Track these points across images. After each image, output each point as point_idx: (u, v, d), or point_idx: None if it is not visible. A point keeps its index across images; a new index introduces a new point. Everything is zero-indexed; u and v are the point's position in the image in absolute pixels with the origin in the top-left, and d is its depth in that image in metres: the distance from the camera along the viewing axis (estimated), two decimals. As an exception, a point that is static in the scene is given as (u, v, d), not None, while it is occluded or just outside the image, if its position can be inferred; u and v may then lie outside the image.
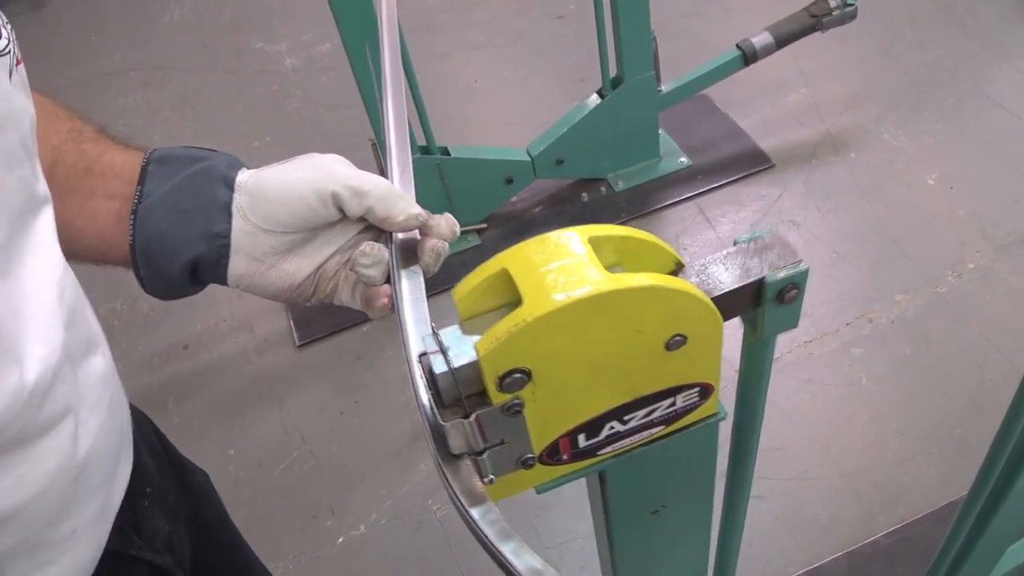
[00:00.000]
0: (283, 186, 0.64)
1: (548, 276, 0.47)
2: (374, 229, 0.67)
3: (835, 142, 2.45)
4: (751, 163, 2.42)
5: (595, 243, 0.49)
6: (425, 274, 0.65)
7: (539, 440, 0.53)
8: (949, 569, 1.17)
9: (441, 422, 0.49)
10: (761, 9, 2.72)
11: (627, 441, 0.57)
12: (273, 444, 1.99)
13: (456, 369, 0.48)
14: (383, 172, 0.70)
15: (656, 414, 0.56)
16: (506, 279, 0.49)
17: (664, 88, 2.29)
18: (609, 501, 0.65)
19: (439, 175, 2.15)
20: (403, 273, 0.64)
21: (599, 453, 0.57)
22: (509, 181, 2.27)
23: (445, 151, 2.16)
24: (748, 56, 2.26)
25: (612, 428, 0.55)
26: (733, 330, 0.63)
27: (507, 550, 0.47)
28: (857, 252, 2.16)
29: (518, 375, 0.47)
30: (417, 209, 0.65)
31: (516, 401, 0.49)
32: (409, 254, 0.65)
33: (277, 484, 1.91)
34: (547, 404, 0.50)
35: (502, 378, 0.47)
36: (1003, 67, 2.61)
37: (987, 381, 1.86)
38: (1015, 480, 0.95)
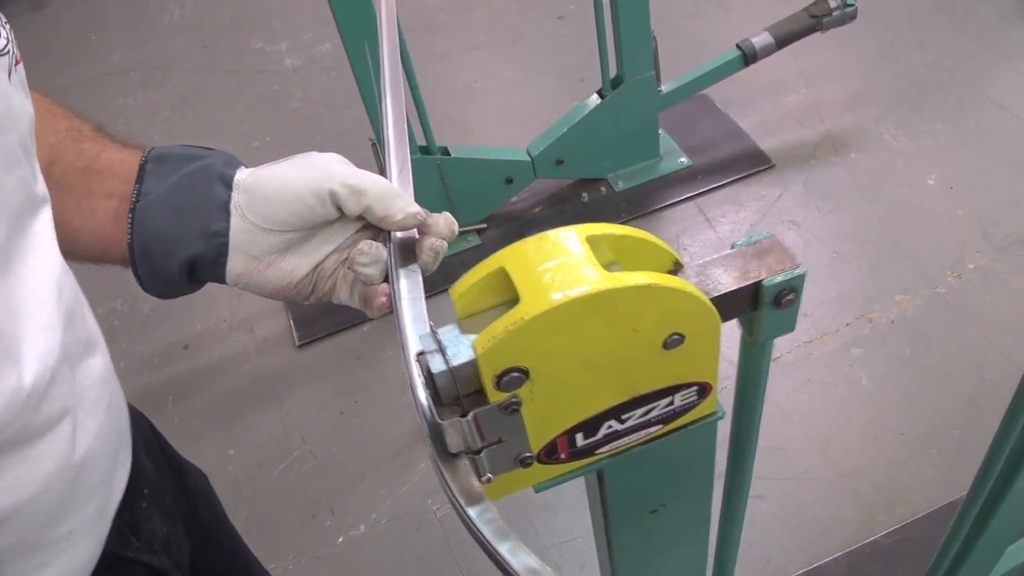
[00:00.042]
0: (281, 184, 0.64)
1: (545, 275, 0.47)
2: (372, 228, 0.67)
3: (835, 142, 2.45)
4: (751, 163, 2.42)
5: (592, 242, 0.49)
6: (423, 273, 0.65)
7: (537, 439, 0.53)
8: (948, 569, 1.17)
9: (439, 421, 0.49)
10: (761, 9, 2.72)
11: (625, 440, 0.57)
12: (273, 444, 1.99)
13: (454, 368, 0.48)
14: (383, 172, 0.70)
15: (654, 413, 0.56)
16: (504, 278, 0.49)
17: (664, 88, 2.29)
18: (607, 500, 0.65)
19: (439, 175, 2.15)
20: (401, 272, 0.64)
21: (597, 452, 0.57)
22: (509, 181, 2.26)
23: (445, 151, 2.16)
24: (748, 56, 2.26)
25: (610, 427, 0.55)
26: (732, 329, 0.63)
27: (504, 549, 0.47)
28: (857, 252, 2.16)
29: (515, 374, 0.47)
30: (415, 208, 0.65)
31: (514, 400, 0.49)
32: (407, 253, 0.65)
33: (277, 484, 1.91)
34: (545, 403, 0.50)
35: (499, 377, 0.47)
36: (1003, 67, 2.61)
37: (987, 381, 1.86)
38: (1014, 480, 0.95)
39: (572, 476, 0.58)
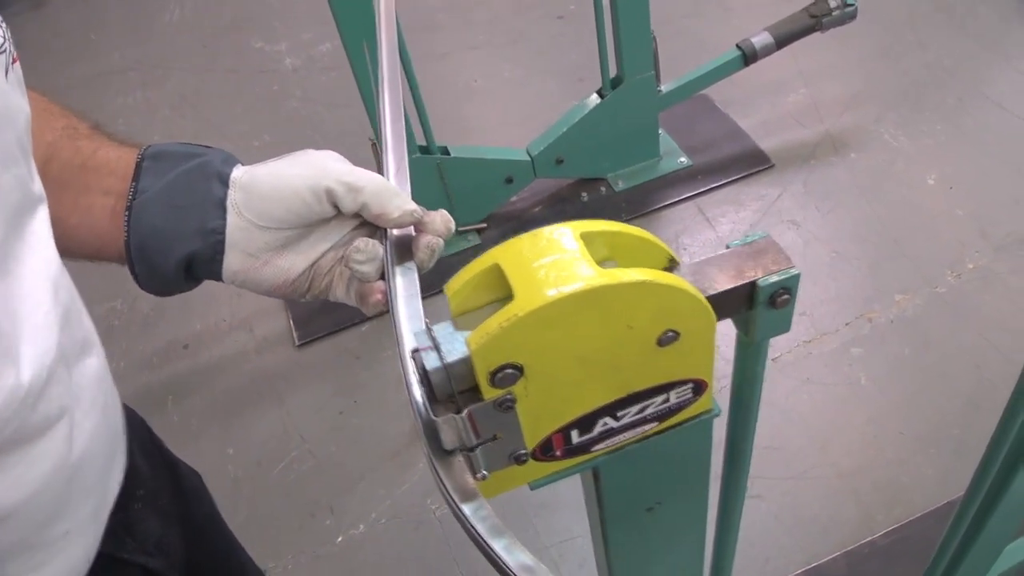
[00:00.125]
0: (278, 182, 0.64)
1: (540, 271, 0.47)
2: (369, 225, 0.67)
3: (835, 142, 2.45)
4: (751, 163, 2.42)
5: (587, 238, 0.49)
6: (420, 270, 0.65)
7: (532, 436, 0.53)
8: (947, 568, 1.17)
9: (433, 418, 0.49)
10: (761, 9, 2.72)
11: (620, 437, 0.57)
12: (272, 443, 1.99)
13: (448, 365, 0.48)
14: (382, 171, 0.70)
15: (649, 410, 0.56)
16: (498, 274, 0.49)
17: (664, 88, 2.29)
18: (603, 498, 0.64)
19: (439, 175, 2.15)
20: (397, 269, 0.64)
21: (592, 449, 0.57)
22: (509, 181, 2.26)
23: (445, 151, 2.16)
24: (748, 56, 2.26)
25: (605, 424, 0.55)
26: (731, 327, 0.63)
27: (499, 546, 0.47)
28: (856, 252, 2.16)
29: (510, 370, 0.47)
30: (412, 205, 0.65)
31: (508, 396, 0.49)
32: (404, 250, 0.65)
33: (276, 483, 1.91)
34: (539, 400, 0.50)
35: (494, 373, 0.47)
36: (1003, 67, 2.61)
37: (986, 381, 1.86)
38: (1012, 479, 0.95)
39: (567, 473, 0.58)
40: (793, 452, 1.80)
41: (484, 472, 0.52)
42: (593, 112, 2.24)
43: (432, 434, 0.50)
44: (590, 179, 2.43)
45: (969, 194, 2.25)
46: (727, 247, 0.58)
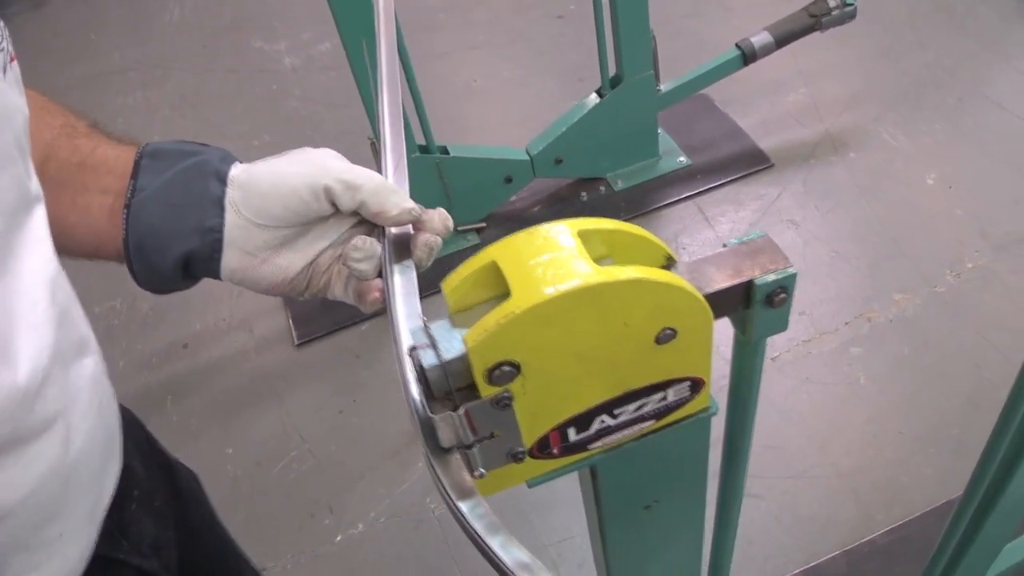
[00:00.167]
0: (276, 180, 0.64)
1: (537, 269, 0.47)
2: (367, 224, 0.67)
3: (834, 142, 2.45)
4: (750, 162, 2.42)
5: (584, 236, 0.49)
6: (418, 269, 0.65)
7: (529, 434, 0.53)
8: (946, 567, 1.17)
9: (430, 415, 0.49)
10: (760, 9, 2.72)
11: (618, 435, 0.57)
12: (272, 443, 1.99)
13: (445, 362, 0.48)
14: (381, 170, 0.70)
15: (647, 408, 0.56)
16: (495, 272, 0.49)
17: (663, 87, 2.29)
18: (601, 496, 0.64)
19: (438, 174, 2.15)
20: (395, 268, 0.64)
21: (590, 447, 0.57)
22: (508, 180, 2.26)
23: (444, 150, 2.16)
24: (747, 56, 2.26)
25: (602, 422, 0.55)
26: (729, 326, 0.63)
27: (495, 544, 0.47)
28: (856, 251, 2.16)
29: (507, 368, 0.47)
30: (410, 204, 0.65)
31: (505, 394, 0.49)
32: (402, 249, 0.65)
33: (276, 483, 1.91)
34: (537, 397, 0.50)
35: (491, 371, 0.47)
36: (1003, 67, 2.61)
37: (985, 380, 1.86)
38: (1010, 478, 0.95)
39: (565, 471, 0.58)
40: (792, 451, 1.80)
41: (481, 470, 0.52)
42: (592, 112, 2.24)
43: (429, 432, 0.50)
44: (589, 179, 2.43)
45: (968, 194, 2.25)
46: (724, 246, 0.58)
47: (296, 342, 2.18)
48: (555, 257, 0.47)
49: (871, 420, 1.83)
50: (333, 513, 1.84)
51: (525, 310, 0.45)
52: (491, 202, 2.33)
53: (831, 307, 2.05)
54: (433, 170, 2.14)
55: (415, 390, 0.51)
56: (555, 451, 0.55)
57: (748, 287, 0.56)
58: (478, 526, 0.48)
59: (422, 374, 0.48)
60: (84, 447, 0.61)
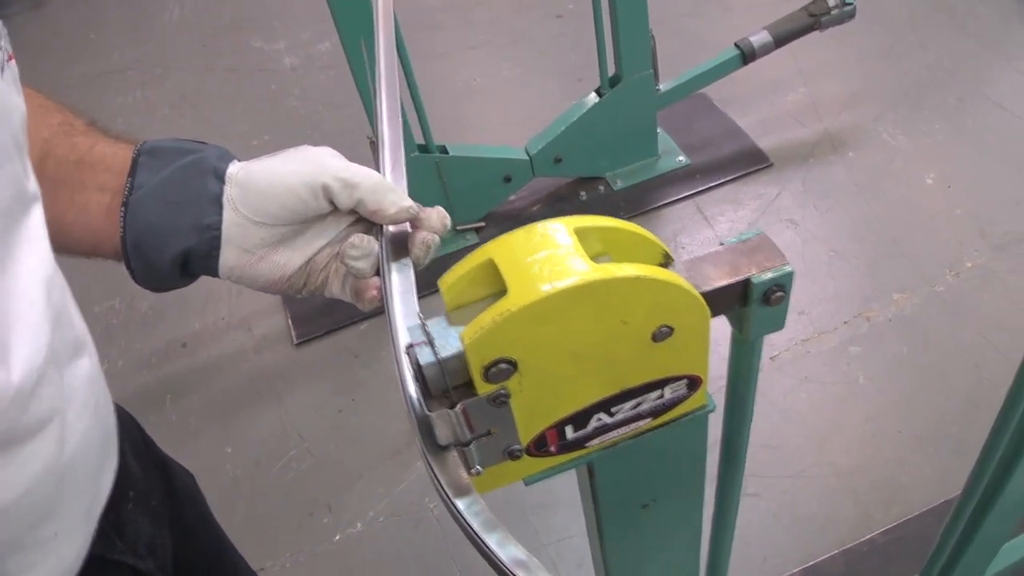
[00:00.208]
0: (274, 178, 0.64)
1: (533, 266, 0.47)
2: (365, 222, 0.67)
3: (833, 141, 2.45)
4: (749, 162, 2.42)
5: (581, 234, 0.49)
6: (415, 267, 0.65)
7: (526, 431, 0.53)
8: (944, 567, 1.17)
9: (427, 413, 0.49)
10: (760, 8, 2.72)
11: (615, 433, 0.57)
12: (271, 442, 1.99)
13: (442, 360, 0.48)
14: (379, 168, 0.70)
15: (644, 406, 0.56)
16: (492, 269, 0.49)
17: (662, 87, 2.29)
18: (598, 494, 0.65)
19: (437, 173, 2.15)
20: (393, 266, 0.64)
21: (587, 445, 0.57)
22: (507, 179, 2.26)
23: (443, 149, 2.16)
24: (747, 55, 2.26)
25: (599, 420, 0.55)
26: (727, 325, 0.63)
27: (492, 541, 0.47)
28: (855, 251, 2.16)
29: (503, 365, 0.47)
30: (408, 202, 0.65)
31: (502, 391, 0.49)
32: (400, 247, 0.65)
33: (274, 482, 1.91)
34: (533, 395, 0.50)
35: (487, 368, 0.47)
36: (1003, 67, 2.61)
37: (984, 380, 1.86)
38: (1009, 478, 0.95)
39: (562, 469, 0.58)
40: (791, 451, 1.80)
41: (478, 467, 0.52)
42: (592, 111, 2.24)
43: (426, 429, 0.50)
44: (589, 178, 2.43)
45: (968, 193, 2.25)
46: (721, 244, 0.58)
47: (295, 341, 2.18)
48: (552, 254, 0.47)
49: (870, 419, 1.83)
50: (332, 512, 1.84)
51: (521, 307, 0.45)
52: (490, 201, 2.33)
53: (830, 306, 2.05)
54: (432, 169, 2.14)
55: (412, 387, 0.51)
56: (552, 449, 0.55)
57: (745, 285, 0.56)
58: (475, 523, 0.48)
59: (419, 371, 0.49)
60: (80, 447, 0.61)
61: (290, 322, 2.22)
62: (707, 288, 0.55)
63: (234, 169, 0.65)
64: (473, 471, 0.52)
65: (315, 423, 2.01)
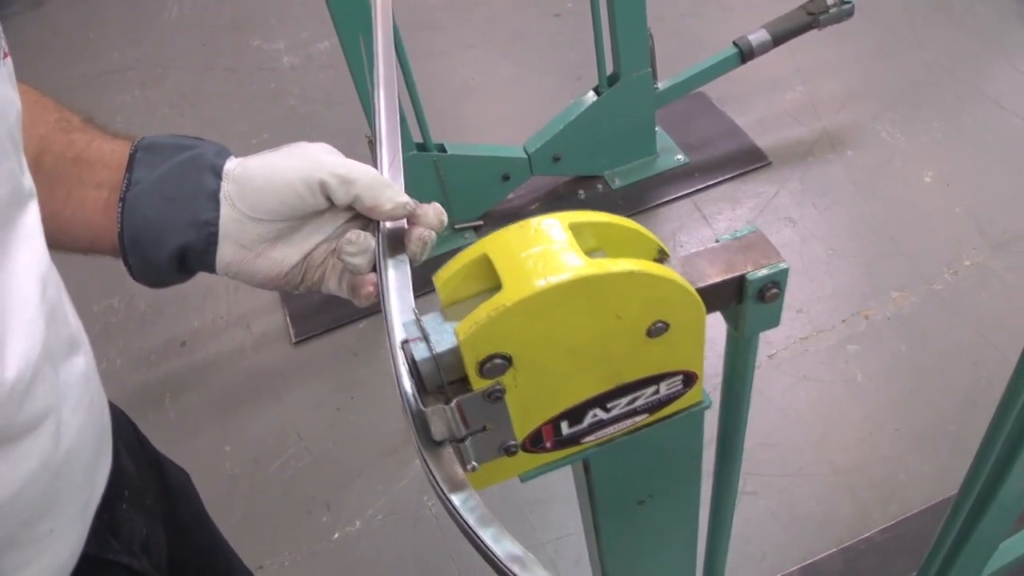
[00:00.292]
0: (271, 174, 0.64)
1: (528, 261, 0.47)
2: (362, 218, 0.67)
3: (832, 140, 2.46)
4: (748, 160, 2.42)
5: (576, 229, 0.49)
6: (412, 263, 0.65)
7: (521, 427, 0.53)
8: (942, 565, 1.17)
9: (423, 408, 0.49)
10: (758, 7, 2.72)
11: (611, 429, 0.57)
12: (269, 440, 1.99)
13: (437, 355, 0.48)
14: (377, 165, 0.70)
15: (639, 402, 0.56)
16: (487, 265, 0.49)
17: (661, 85, 2.29)
18: (594, 490, 0.65)
19: (435, 172, 2.15)
20: (390, 262, 0.64)
21: (583, 441, 0.57)
22: (505, 178, 2.26)
23: (442, 148, 2.16)
24: (745, 54, 2.26)
25: (595, 416, 0.55)
26: (724, 323, 0.64)
27: (487, 536, 0.47)
28: (853, 249, 2.16)
29: (498, 360, 0.47)
30: (405, 198, 0.65)
31: (497, 387, 0.49)
32: (396, 243, 0.65)
33: (273, 480, 1.91)
34: (529, 390, 0.50)
35: (482, 363, 0.47)
36: (1002, 66, 2.61)
37: (982, 378, 1.86)
38: (1006, 476, 0.95)
39: (558, 465, 0.58)
40: (789, 449, 1.80)
41: (474, 463, 0.52)
42: (590, 109, 2.24)
43: (422, 425, 0.50)
44: (587, 176, 2.43)
45: (966, 192, 2.25)
46: (717, 241, 0.58)
47: (294, 340, 2.18)
48: (546, 250, 0.47)
49: (868, 418, 1.83)
50: (330, 510, 1.84)
51: (516, 302, 0.45)
52: (488, 200, 2.33)
53: (828, 305, 2.05)
54: (430, 168, 2.14)
55: (408, 383, 0.51)
56: (548, 445, 0.55)
57: (740, 282, 0.56)
58: (470, 519, 0.48)
59: (414, 367, 0.49)
60: (75, 444, 0.61)
61: (289, 320, 2.23)
62: (702, 284, 0.55)
63: (231, 165, 0.65)
64: (469, 467, 0.52)
65: (314, 421, 2.01)
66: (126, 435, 0.83)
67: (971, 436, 1.75)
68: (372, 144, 2.05)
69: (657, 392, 0.56)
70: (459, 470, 0.51)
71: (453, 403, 0.48)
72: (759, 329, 0.61)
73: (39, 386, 0.55)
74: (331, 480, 1.89)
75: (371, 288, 0.65)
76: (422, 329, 0.49)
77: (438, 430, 0.50)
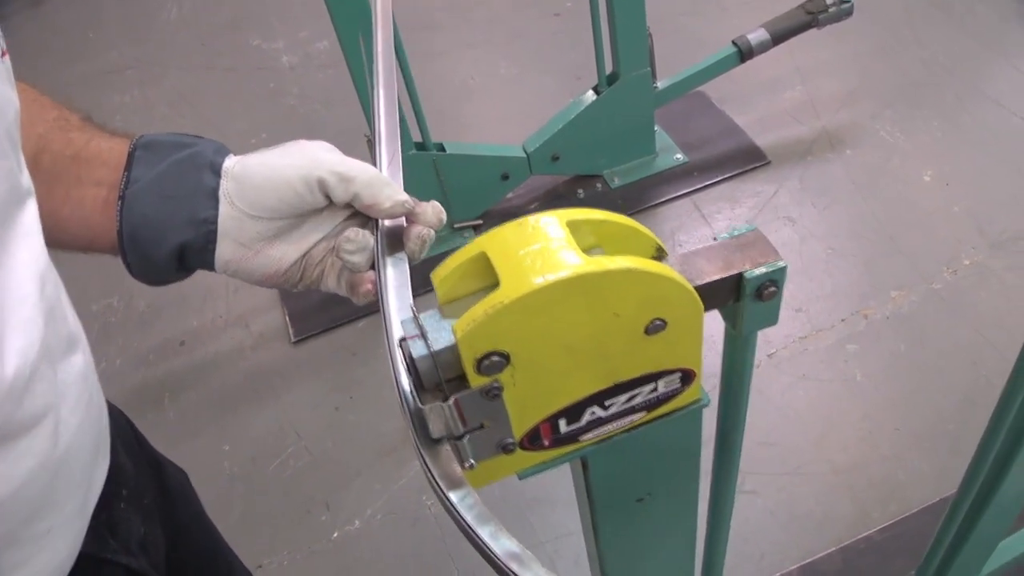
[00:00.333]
0: (270, 172, 0.64)
1: (526, 259, 0.47)
2: (361, 216, 0.67)
3: (831, 139, 2.46)
4: (747, 160, 2.42)
5: (573, 227, 0.49)
6: (411, 261, 0.65)
7: (519, 425, 0.53)
8: (941, 564, 1.17)
9: (420, 406, 0.49)
10: (757, 6, 2.72)
11: (609, 427, 0.57)
12: (268, 440, 1.99)
13: (435, 353, 0.48)
14: (376, 164, 0.70)
15: (638, 400, 0.56)
16: (484, 262, 0.49)
17: (660, 85, 2.29)
18: (592, 489, 0.65)
19: (435, 171, 2.15)
20: (388, 260, 0.64)
21: (581, 439, 0.57)
22: (505, 177, 2.26)
23: (441, 147, 2.16)
24: (744, 53, 2.26)
25: (593, 414, 0.55)
26: (723, 320, 0.63)
27: (485, 534, 0.47)
28: (852, 248, 2.16)
29: (496, 358, 0.47)
30: (403, 196, 0.65)
31: (495, 384, 0.49)
32: (395, 241, 0.65)
33: (272, 479, 1.91)
34: (526, 388, 0.50)
35: (480, 361, 0.47)
36: (1001, 65, 2.61)
37: (982, 378, 1.86)
38: (1005, 476, 0.95)
39: (556, 463, 0.58)
40: (788, 448, 1.80)
41: (472, 461, 0.52)
42: (589, 109, 2.24)
43: (419, 422, 0.50)
44: (586, 176, 2.43)
45: (966, 191, 2.25)
46: (715, 239, 0.58)
47: (293, 339, 2.18)
48: (544, 247, 0.47)
49: (867, 417, 1.83)
50: (329, 510, 1.84)
51: (513, 300, 0.45)
52: (488, 199, 2.33)
53: (827, 304, 2.05)
54: (430, 167, 2.14)
55: (405, 381, 0.51)
56: (546, 443, 0.55)
57: (738, 280, 0.56)
58: (468, 516, 0.48)
59: (412, 364, 0.49)
60: (73, 442, 0.61)
61: (288, 320, 2.22)
62: (700, 282, 0.55)
63: (230, 163, 0.66)
64: (466, 465, 0.52)
65: (312, 421, 2.01)
66: (124, 434, 0.83)
67: (970, 435, 1.74)
68: (371, 143, 2.05)
69: (655, 390, 0.56)
70: (457, 468, 0.51)
71: (451, 400, 0.48)
72: (757, 327, 0.61)
73: (38, 384, 0.55)
74: (330, 479, 1.89)
75: (369, 286, 0.65)
76: (420, 327, 0.49)
77: (436, 428, 0.50)
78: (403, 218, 0.66)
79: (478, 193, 2.29)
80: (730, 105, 2.59)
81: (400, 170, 0.70)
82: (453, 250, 0.50)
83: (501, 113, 2.79)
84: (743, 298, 0.57)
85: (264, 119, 2.90)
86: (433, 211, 0.67)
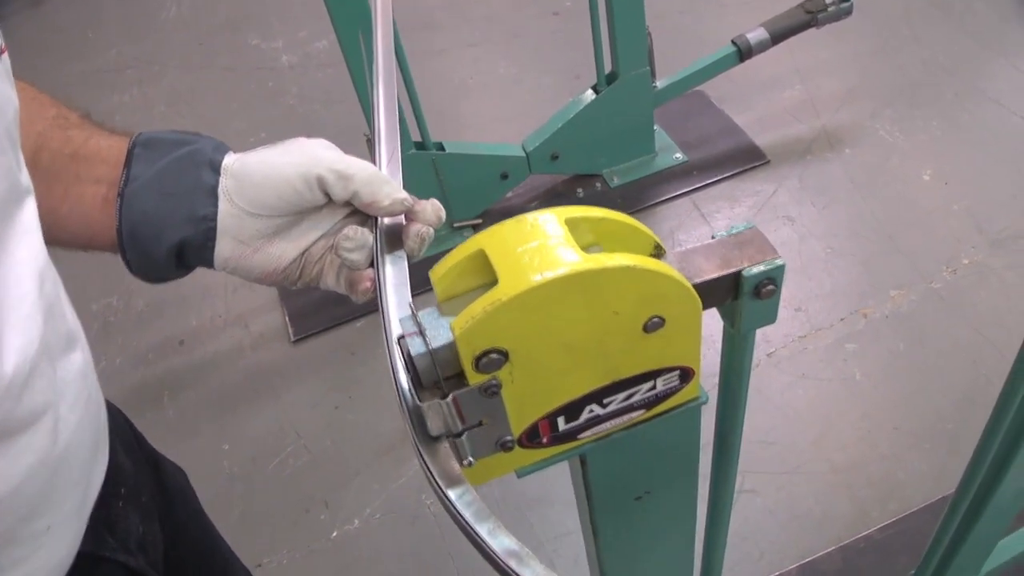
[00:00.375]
0: (269, 170, 0.64)
1: (524, 256, 0.47)
2: (360, 214, 0.67)
3: (830, 138, 2.46)
4: (746, 159, 2.42)
5: (572, 224, 0.49)
6: (409, 259, 0.65)
7: (518, 422, 0.53)
8: (940, 563, 1.17)
9: (419, 403, 0.49)
10: (757, 5, 2.72)
11: (607, 425, 0.57)
12: (268, 439, 1.99)
13: (434, 350, 0.48)
14: (375, 162, 0.70)
15: (636, 397, 0.56)
16: (483, 260, 0.49)
17: (659, 84, 2.29)
18: (591, 486, 0.65)
19: (434, 170, 2.15)
20: (387, 258, 0.64)
21: (579, 437, 0.57)
22: (504, 176, 2.26)
23: (440, 146, 2.16)
24: (743, 52, 2.26)
25: (592, 411, 0.55)
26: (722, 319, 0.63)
27: (483, 531, 0.47)
28: (852, 248, 2.16)
29: (494, 355, 0.47)
30: (403, 194, 0.65)
31: (493, 382, 0.49)
32: (394, 239, 0.65)
33: (271, 478, 1.91)
34: (525, 385, 0.50)
35: (478, 358, 0.47)
36: (1000, 64, 2.61)
37: (981, 377, 1.86)
38: (1004, 475, 0.95)
39: (554, 461, 0.58)
40: (787, 447, 1.80)
41: (470, 459, 0.52)
42: (588, 108, 2.24)
43: (418, 420, 0.50)
44: (585, 175, 2.43)
45: (965, 190, 2.26)
46: (713, 237, 0.58)
47: (292, 338, 2.18)
48: (542, 245, 0.47)
49: (866, 416, 1.83)
50: (329, 509, 1.84)
51: (512, 297, 0.45)
52: (487, 198, 2.33)
53: (827, 303, 2.05)
54: (429, 166, 2.14)
55: (404, 378, 0.51)
56: (544, 440, 0.55)
57: (736, 278, 0.56)
58: (466, 514, 0.48)
59: (410, 362, 0.49)
60: (72, 440, 0.61)
61: (287, 319, 2.22)
62: (698, 280, 0.55)
63: (229, 160, 0.65)
64: (465, 462, 0.52)
65: (312, 420, 2.01)
66: (122, 433, 0.83)
67: (969, 434, 1.75)
68: (371, 142, 2.05)
69: (654, 388, 0.56)
70: (455, 465, 0.51)
71: (449, 398, 0.48)
72: (755, 326, 0.61)
73: (37, 381, 0.55)
74: (329, 478, 1.89)
75: (368, 284, 0.65)
76: (418, 324, 0.49)
77: (434, 425, 0.50)
78: (402, 216, 0.66)
79: (477, 192, 2.29)
80: (729, 104, 2.59)
81: (399, 168, 0.70)
82: (450, 249, 0.50)
83: (500, 112, 2.79)
84: (741, 296, 0.57)
85: (263, 118, 2.90)
86: (432, 209, 0.67)
